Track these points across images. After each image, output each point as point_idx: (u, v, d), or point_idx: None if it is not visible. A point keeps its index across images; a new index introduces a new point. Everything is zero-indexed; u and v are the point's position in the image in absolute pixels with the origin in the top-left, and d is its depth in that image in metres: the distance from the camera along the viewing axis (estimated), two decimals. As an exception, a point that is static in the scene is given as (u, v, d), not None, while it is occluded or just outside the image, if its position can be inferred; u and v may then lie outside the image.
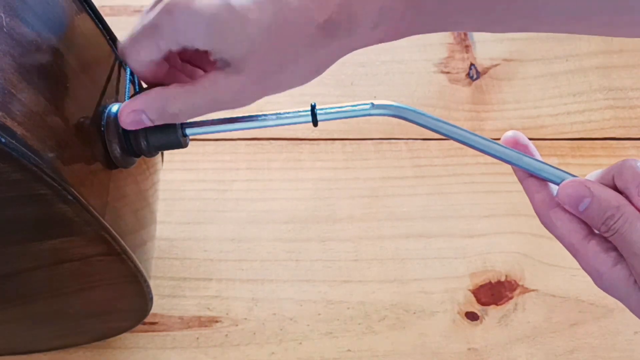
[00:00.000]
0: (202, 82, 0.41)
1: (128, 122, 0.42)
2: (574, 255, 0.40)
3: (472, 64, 0.80)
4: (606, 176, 0.39)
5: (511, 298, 0.65)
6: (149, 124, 0.42)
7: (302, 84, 0.42)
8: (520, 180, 0.42)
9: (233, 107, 0.42)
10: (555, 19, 0.41)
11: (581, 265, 0.39)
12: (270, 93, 0.42)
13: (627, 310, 0.40)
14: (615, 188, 0.39)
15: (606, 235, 0.38)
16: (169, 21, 0.39)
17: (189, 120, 0.45)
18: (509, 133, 0.42)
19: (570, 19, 0.41)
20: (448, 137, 0.42)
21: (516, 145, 0.41)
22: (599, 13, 0.40)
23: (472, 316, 0.64)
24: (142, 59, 0.41)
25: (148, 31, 0.40)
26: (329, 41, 0.40)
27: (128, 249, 0.45)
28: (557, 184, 0.40)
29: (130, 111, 0.42)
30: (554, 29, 0.43)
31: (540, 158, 0.41)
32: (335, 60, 0.42)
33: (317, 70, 0.42)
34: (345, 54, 0.42)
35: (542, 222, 0.40)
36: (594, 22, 0.41)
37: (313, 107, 0.44)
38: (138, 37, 0.40)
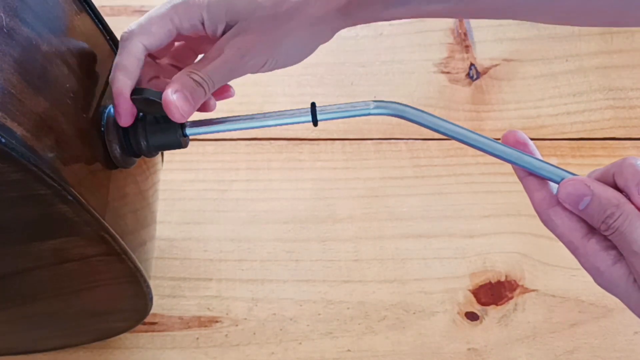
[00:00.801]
0: (210, 50, 0.44)
1: (175, 101, 0.42)
2: (574, 254, 0.40)
3: (472, 64, 0.80)
4: (606, 174, 0.39)
5: (511, 298, 0.65)
6: (189, 97, 0.43)
7: (304, 51, 0.45)
8: (520, 179, 0.42)
9: (244, 70, 0.44)
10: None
11: (581, 264, 0.39)
12: (277, 59, 0.44)
13: (627, 310, 0.40)
14: (616, 186, 0.39)
15: (606, 233, 0.38)
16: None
17: (189, 120, 0.45)
18: (509, 132, 0.42)
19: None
20: (448, 136, 0.42)
21: (516, 143, 0.41)
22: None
23: (472, 316, 0.64)
24: (155, 32, 0.44)
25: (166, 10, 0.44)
26: (324, 4, 0.43)
27: (128, 249, 0.45)
28: (557, 182, 0.40)
29: (173, 91, 0.42)
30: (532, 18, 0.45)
31: (540, 157, 0.41)
32: (333, 30, 0.44)
33: (314, 35, 0.44)
34: (342, 27, 0.44)
35: (542, 221, 0.41)
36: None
37: (313, 107, 0.44)
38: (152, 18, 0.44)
